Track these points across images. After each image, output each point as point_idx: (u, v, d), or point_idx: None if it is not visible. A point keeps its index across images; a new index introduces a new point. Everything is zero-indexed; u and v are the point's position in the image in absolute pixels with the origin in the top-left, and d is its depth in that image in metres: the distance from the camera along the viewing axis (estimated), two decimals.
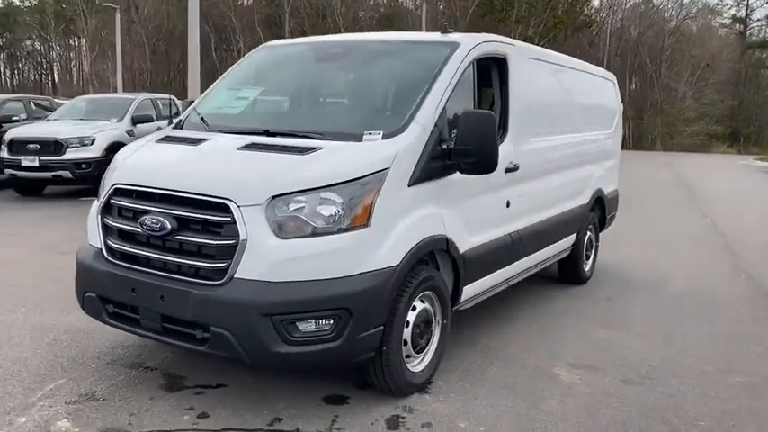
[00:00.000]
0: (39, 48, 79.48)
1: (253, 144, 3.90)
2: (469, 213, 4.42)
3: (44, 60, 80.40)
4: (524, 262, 5.37)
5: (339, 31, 50.31)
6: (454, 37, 4.57)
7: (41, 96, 15.66)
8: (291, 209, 3.42)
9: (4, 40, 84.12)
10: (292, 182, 3.48)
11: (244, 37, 48.33)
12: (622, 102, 7.95)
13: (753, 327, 5.75)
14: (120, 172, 3.99)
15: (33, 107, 13.92)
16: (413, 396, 4.01)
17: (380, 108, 4.46)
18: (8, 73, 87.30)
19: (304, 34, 47.07)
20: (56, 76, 72.18)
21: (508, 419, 3.77)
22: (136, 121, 12.55)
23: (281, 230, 3.40)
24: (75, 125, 12.42)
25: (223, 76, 5.20)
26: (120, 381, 4.04)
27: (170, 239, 3.58)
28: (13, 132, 11.90)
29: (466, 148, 3.99)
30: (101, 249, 3.91)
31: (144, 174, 3.88)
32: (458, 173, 4.17)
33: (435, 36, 4.69)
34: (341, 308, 3.41)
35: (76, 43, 66.95)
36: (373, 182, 3.58)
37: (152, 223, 3.59)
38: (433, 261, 4.26)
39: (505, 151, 4.81)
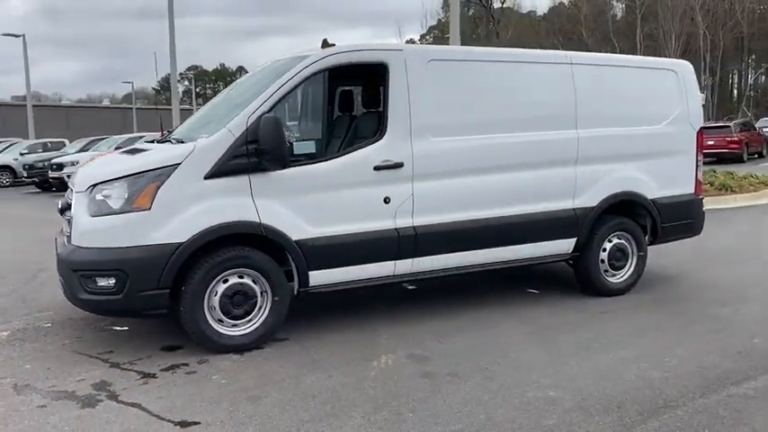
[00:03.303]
0: None
1: (130, 149, 5.26)
2: (312, 206, 4.99)
3: None
4: (437, 259, 5.47)
5: (702, 32, 46.01)
6: (325, 50, 5.17)
7: None
8: (99, 194, 4.69)
9: None
10: (104, 175, 4.76)
11: (596, 48, 47.92)
12: None
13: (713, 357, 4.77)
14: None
15: None
16: (228, 354, 4.82)
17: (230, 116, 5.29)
18: None
19: (655, 40, 44.42)
20: None
21: (254, 381, 4.35)
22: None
23: (90, 210, 4.69)
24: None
25: None
26: (75, 317, 5.73)
27: (65, 216, 5.16)
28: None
29: (263, 147, 4.69)
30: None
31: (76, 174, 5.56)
32: (292, 169, 4.87)
33: (307, 51, 5.33)
34: (118, 270, 4.55)
35: None
36: (159, 174, 4.62)
37: (60, 204, 5.23)
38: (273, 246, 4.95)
39: (377, 150, 5.20)
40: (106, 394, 4.15)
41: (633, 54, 41.31)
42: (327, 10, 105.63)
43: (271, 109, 4.85)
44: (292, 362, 4.71)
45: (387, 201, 5.23)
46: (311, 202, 5.00)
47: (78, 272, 4.65)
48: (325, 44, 5.33)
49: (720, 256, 8.16)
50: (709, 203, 12.57)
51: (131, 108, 53.13)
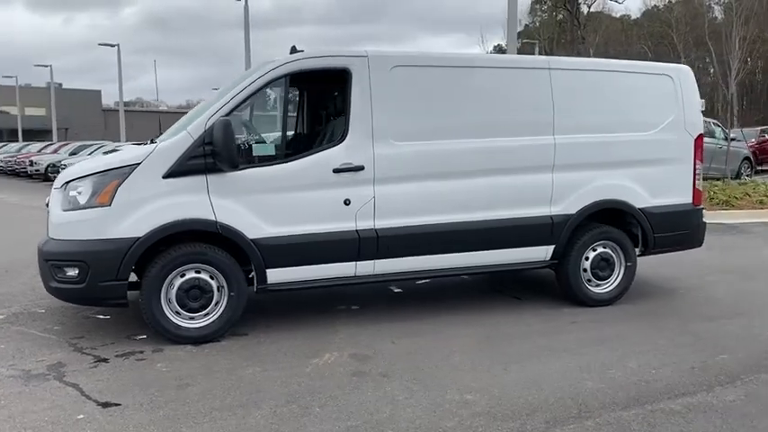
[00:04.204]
0: None
1: (111, 149, 5.62)
2: (270, 206, 5.19)
3: None
4: (401, 262, 5.53)
5: None
6: (289, 56, 5.37)
7: None
8: (69, 190, 5.06)
9: None
10: (75, 172, 5.14)
11: (686, 53, 45.96)
12: None
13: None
14: None
15: None
16: (184, 344, 5.08)
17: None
18: None
19: (754, 43, 42.05)
20: None
21: (192, 370, 4.58)
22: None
23: (63, 205, 5.08)
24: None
25: None
26: (68, 305, 6.13)
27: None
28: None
29: (216, 149, 4.93)
30: None
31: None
32: (250, 170, 5.11)
33: (278, 57, 5.52)
34: (80, 261, 4.90)
35: None
36: (119, 173, 4.94)
37: (47, 199, 5.67)
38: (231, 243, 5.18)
39: (338, 153, 5.34)
40: (54, 374, 4.49)
41: (728, 58, 39.26)
42: (419, 17, 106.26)
43: (229, 113, 5.08)
44: (239, 355, 4.91)
45: (347, 203, 5.35)
46: (269, 203, 5.18)
47: (49, 261, 5.04)
48: (294, 50, 5.53)
49: (736, 270, 7.73)
50: (752, 217, 11.98)
51: None
